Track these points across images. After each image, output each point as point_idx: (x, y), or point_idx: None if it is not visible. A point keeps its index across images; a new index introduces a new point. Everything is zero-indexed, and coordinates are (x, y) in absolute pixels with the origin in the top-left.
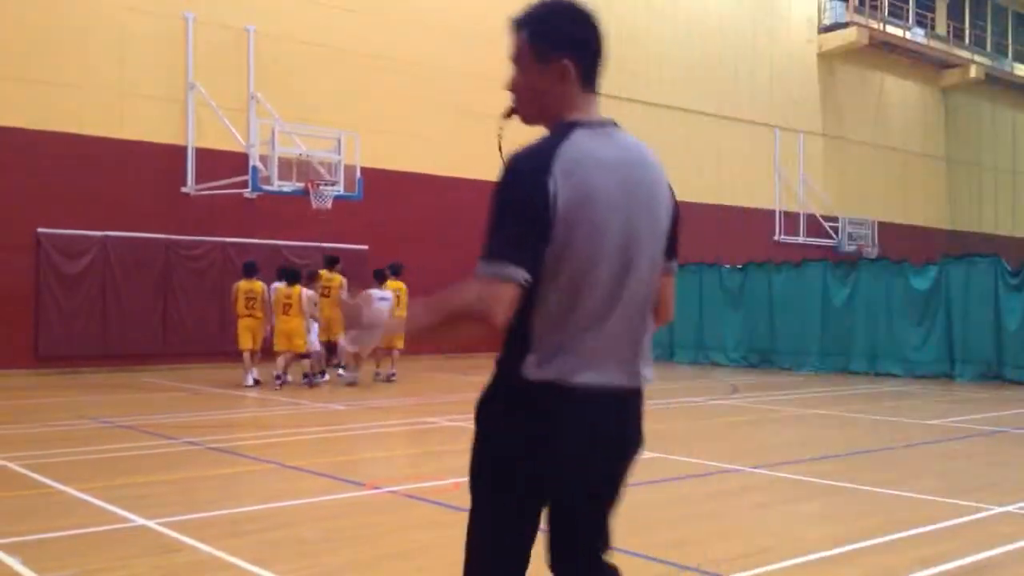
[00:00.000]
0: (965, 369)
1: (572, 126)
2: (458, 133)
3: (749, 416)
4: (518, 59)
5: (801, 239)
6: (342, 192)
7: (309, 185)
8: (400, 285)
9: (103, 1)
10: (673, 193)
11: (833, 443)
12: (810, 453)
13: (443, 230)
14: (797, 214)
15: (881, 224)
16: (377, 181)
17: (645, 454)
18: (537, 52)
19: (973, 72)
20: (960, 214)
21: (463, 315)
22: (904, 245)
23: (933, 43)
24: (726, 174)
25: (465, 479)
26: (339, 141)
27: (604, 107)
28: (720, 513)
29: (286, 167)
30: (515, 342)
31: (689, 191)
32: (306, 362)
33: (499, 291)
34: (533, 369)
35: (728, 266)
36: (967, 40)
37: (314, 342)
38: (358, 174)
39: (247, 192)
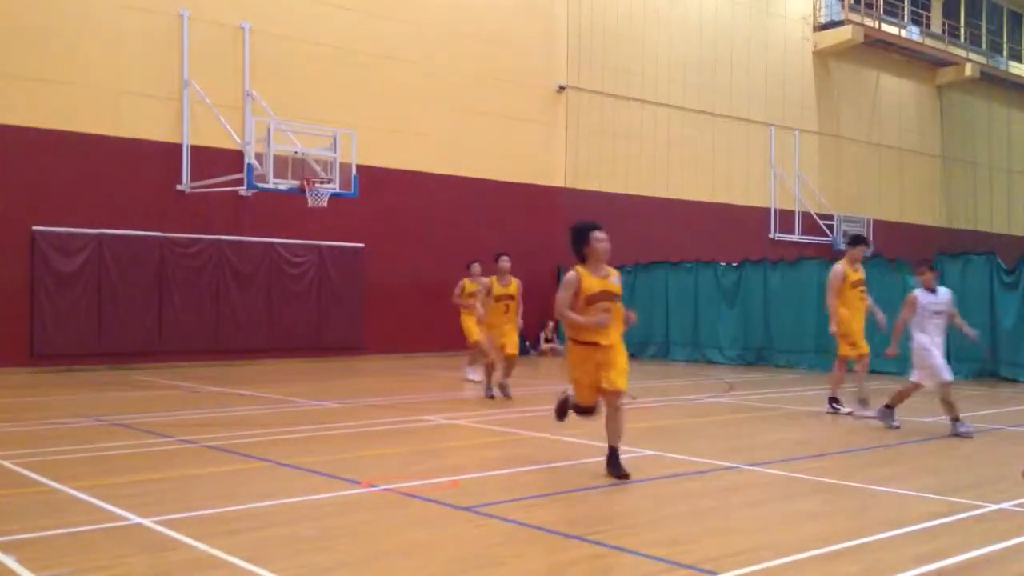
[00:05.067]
0: (960, 367)
1: None
2: (454, 131)
3: (744, 414)
4: None
5: (796, 237)
6: (338, 190)
7: (305, 183)
8: None
9: None
10: None
11: (828, 441)
12: (805, 451)
13: (439, 228)
14: (793, 212)
15: (876, 222)
16: (373, 179)
17: (642, 452)
18: None
19: (968, 70)
20: (955, 212)
21: None
22: (899, 243)
23: (928, 41)
24: (722, 172)
25: (460, 477)
26: (335, 139)
27: (600, 105)
28: (715, 511)
29: (282, 165)
30: None
31: (685, 189)
32: None
33: None
34: None
35: (724, 264)
36: (962, 38)
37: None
38: (354, 172)
39: (242, 190)
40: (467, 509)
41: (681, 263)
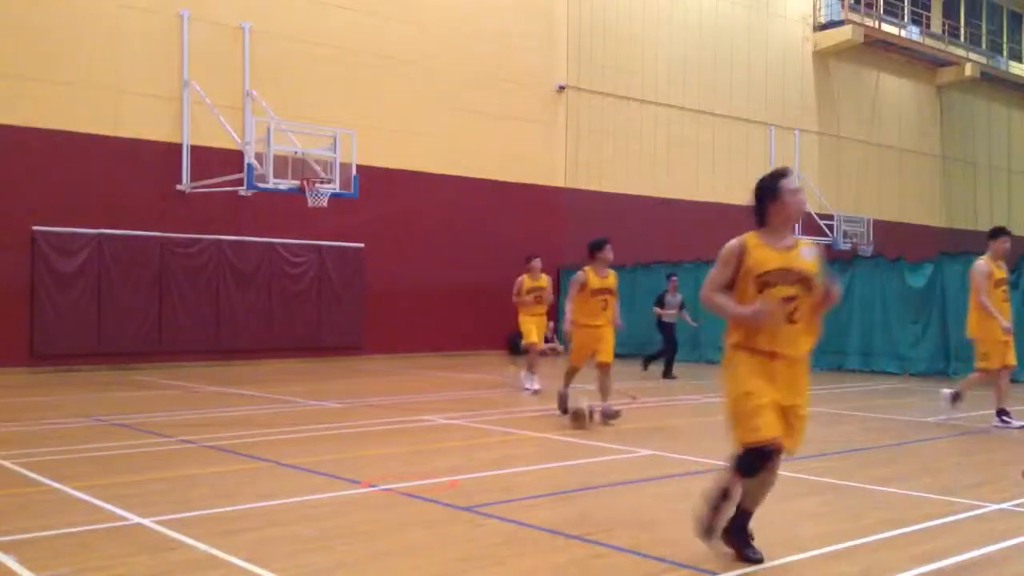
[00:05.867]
0: (960, 366)
1: None
2: (453, 131)
3: None
4: None
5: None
6: (338, 190)
7: (305, 183)
8: None
9: None
10: None
11: (828, 441)
12: (805, 451)
13: (439, 228)
14: None
15: (876, 222)
16: (373, 179)
17: (642, 452)
18: None
19: (968, 70)
20: (955, 212)
21: None
22: (899, 243)
23: (928, 41)
24: (722, 172)
25: (460, 477)
26: (335, 139)
27: (600, 105)
28: None
29: (281, 165)
30: None
31: (685, 189)
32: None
33: None
34: None
35: None
36: (962, 38)
37: None
38: (353, 172)
39: (242, 190)
40: (467, 509)
41: (681, 263)
